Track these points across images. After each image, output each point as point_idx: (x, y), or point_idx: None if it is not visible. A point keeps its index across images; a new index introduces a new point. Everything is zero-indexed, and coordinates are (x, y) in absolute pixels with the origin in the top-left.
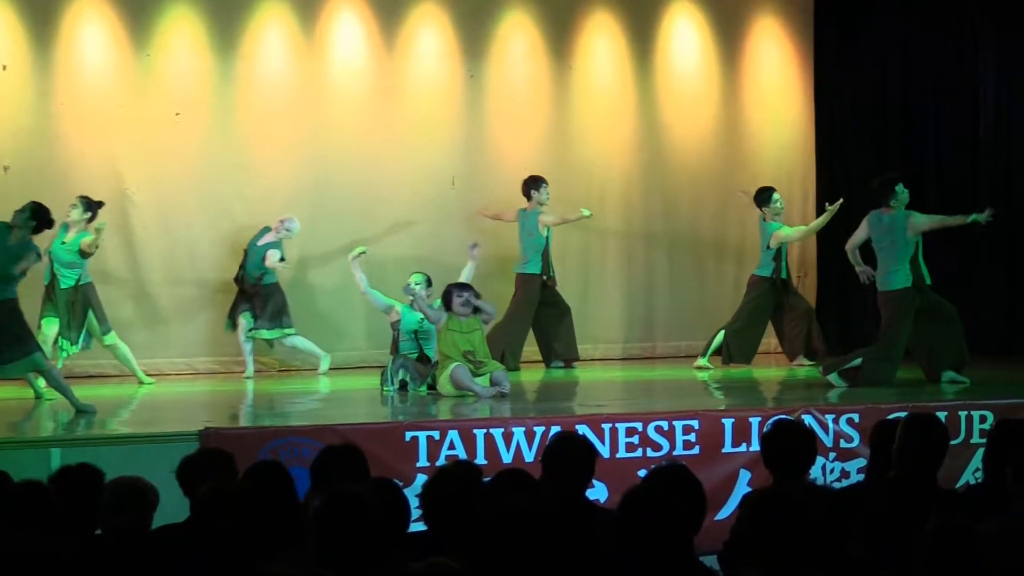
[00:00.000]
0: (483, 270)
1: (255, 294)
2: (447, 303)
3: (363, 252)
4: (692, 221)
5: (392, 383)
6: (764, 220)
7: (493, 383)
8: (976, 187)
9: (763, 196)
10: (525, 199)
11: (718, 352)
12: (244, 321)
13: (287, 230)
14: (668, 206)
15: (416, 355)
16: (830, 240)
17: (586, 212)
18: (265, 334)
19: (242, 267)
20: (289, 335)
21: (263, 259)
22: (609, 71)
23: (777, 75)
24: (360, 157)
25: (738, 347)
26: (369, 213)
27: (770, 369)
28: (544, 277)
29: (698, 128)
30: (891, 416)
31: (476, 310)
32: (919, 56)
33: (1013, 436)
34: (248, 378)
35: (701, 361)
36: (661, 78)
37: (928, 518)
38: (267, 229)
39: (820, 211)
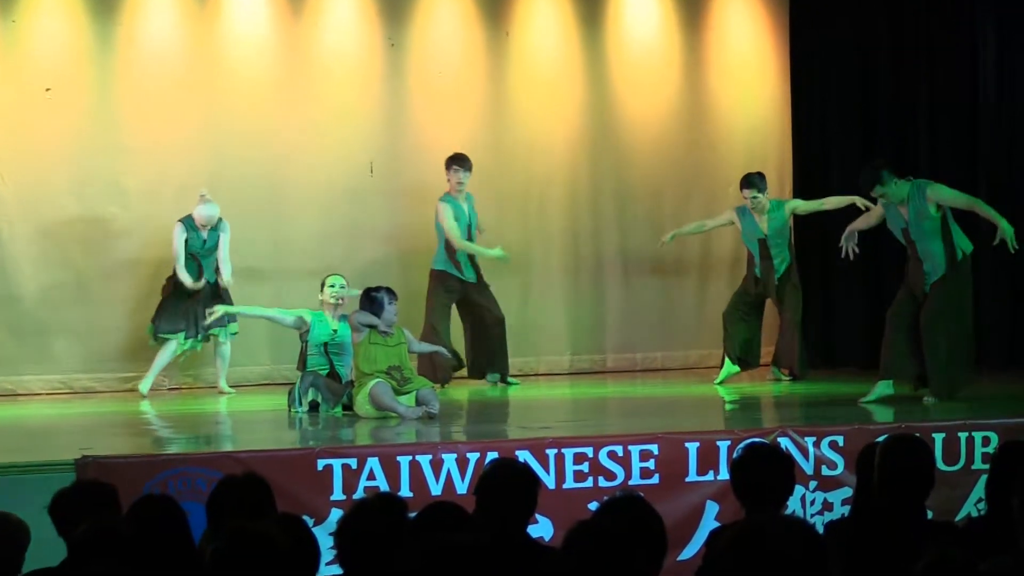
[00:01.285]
0: (405, 265)
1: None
2: (364, 305)
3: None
4: (650, 214)
5: (301, 403)
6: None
7: (419, 402)
8: (975, 164)
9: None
10: None
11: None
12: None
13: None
14: (621, 196)
15: (327, 371)
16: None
17: (498, 253)
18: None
19: (201, 266)
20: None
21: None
22: (552, 38)
23: (748, 43)
24: (262, 140)
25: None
26: (273, 205)
27: (740, 384)
28: (458, 276)
29: (657, 106)
30: (880, 438)
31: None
32: (909, 16)
33: (1020, 460)
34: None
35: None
36: (613, 47)
37: (920, 555)
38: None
39: (800, 192)
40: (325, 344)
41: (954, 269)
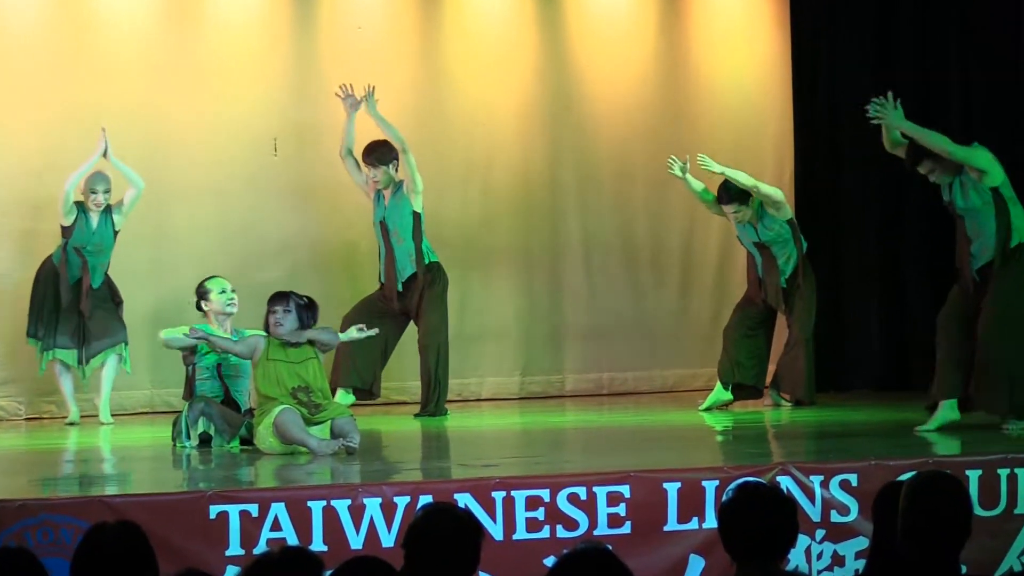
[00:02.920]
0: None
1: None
2: (264, 326)
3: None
4: (618, 203)
5: (189, 437)
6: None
7: (336, 434)
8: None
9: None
10: None
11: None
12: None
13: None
14: (584, 182)
15: (221, 398)
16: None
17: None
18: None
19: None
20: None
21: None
22: None
23: None
24: (140, 116)
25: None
26: (153, 193)
27: (731, 411)
28: (380, 282)
29: (626, 72)
30: (901, 477)
31: (302, 325)
32: None
33: None
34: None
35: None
36: (572, 2)
37: None
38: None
39: (802, 178)
40: (218, 365)
41: (1006, 256)
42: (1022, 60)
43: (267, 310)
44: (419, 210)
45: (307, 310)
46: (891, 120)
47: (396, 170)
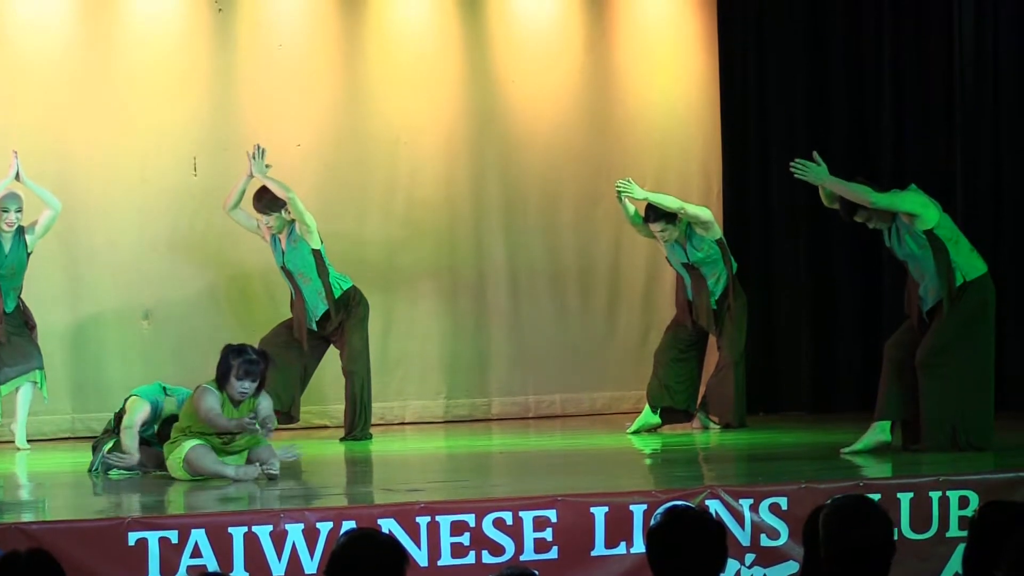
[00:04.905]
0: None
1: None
2: (220, 371)
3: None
4: (545, 221)
5: (100, 468)
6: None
7: (254, 461)
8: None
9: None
10: None
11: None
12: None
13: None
14: (509, 199)
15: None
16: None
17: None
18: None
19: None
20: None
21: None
22: (420, 6)
23: (665, 8)
24: (50, 132)
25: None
26: (74, 212)
27: (659, 434)
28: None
29: (551, 87)
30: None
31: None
32: None
33: (1005, 525)
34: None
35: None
36: (496, 16)
37: None
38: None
39: (730, 198)
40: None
41: (952, 298)
42: (954, 72)
43: (232, 366)
44: (317, 246)
45: (267, 365)
46: (814, 178)
47: (287, 213)
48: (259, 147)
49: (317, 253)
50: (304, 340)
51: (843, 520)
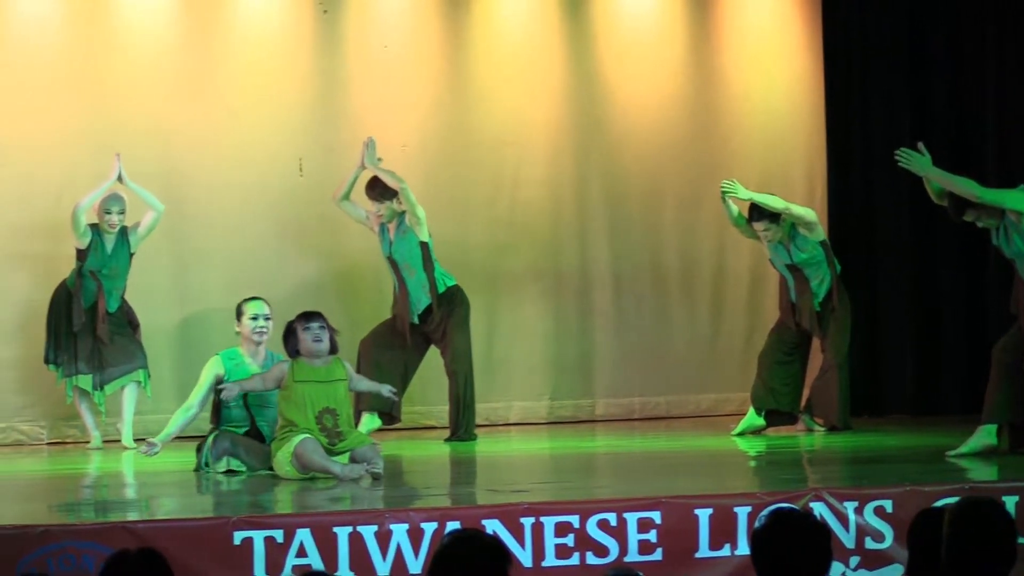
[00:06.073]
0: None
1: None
2: (290, 346)
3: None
4: (649, 222)
5: (209, 467)
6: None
7: (358, 461)
8: None
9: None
10: None
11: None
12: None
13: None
14: (613, 202)
15: (246, 428)
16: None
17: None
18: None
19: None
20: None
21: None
22: (525, 5)
23: (769, 9)
24: (161, 133)
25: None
26: (175, 215)
27: (764, 436)
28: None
29: (655, 88)
30: (938, 503)
31: (334, 345)
32: None
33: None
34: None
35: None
36: (600, 16)
37: None
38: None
39: (834, 200)
40: (245, 394)
41: None
42: None
43: (295, 328)
44: (426, 239)
45: (332, 329)
46: (918, 168)
47: (398, 203)
48: (371, 139)
49: (424, 246)
50: (407, 333)
51: (972, 519)
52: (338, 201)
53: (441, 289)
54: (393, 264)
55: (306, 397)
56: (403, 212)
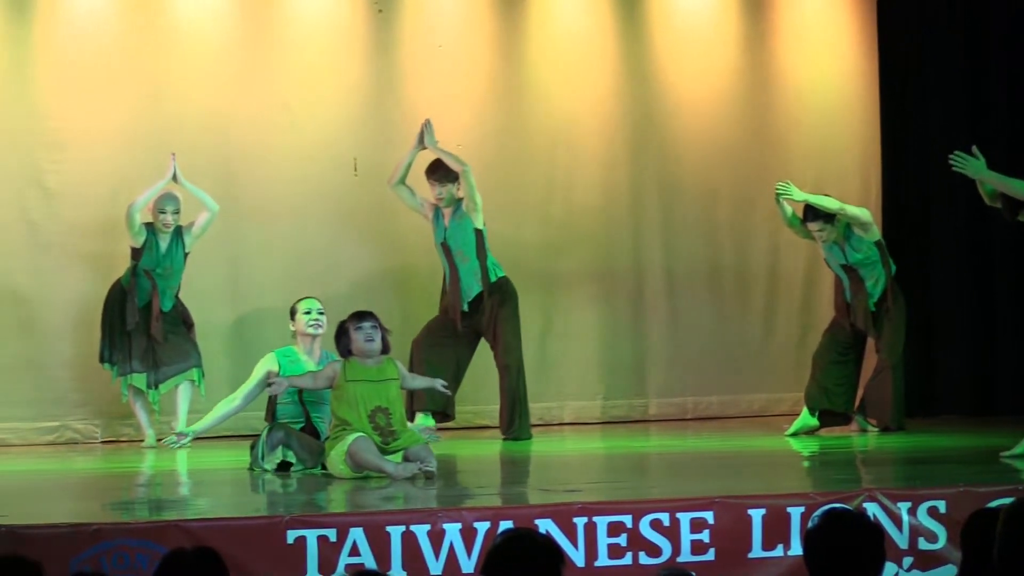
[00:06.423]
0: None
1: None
2: (343, 345)
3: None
4: (701, 222)
5: (265, 463)
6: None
7: (410, 460)
8: None
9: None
10: None
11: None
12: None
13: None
14: (666, 200)
15: (301, 424)
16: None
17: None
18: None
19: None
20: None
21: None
22: (579, 6)
23: (823, 7)
24: (217, 132)
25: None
26: (230, 213)
27: (818, 436)
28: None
29: (710, 87)
30: (992, 504)
31: (386, 344)
32: None
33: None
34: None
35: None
36: (655, 15)
37: None
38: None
39: (889, 200)
40: (300, 390)
41: None
42: None
43: (347, 328)
44: (481, 227)
45: (384, 329)
46: (973, 172)
47: (457, 188)
48: (428, 120)
49: (479, 233)
50: (458, 321)
51: (1022, 522)
52: (393, 185)
53: (492, 278)
54: (446, 250)
55: (358, 396)
56: (460, 199)
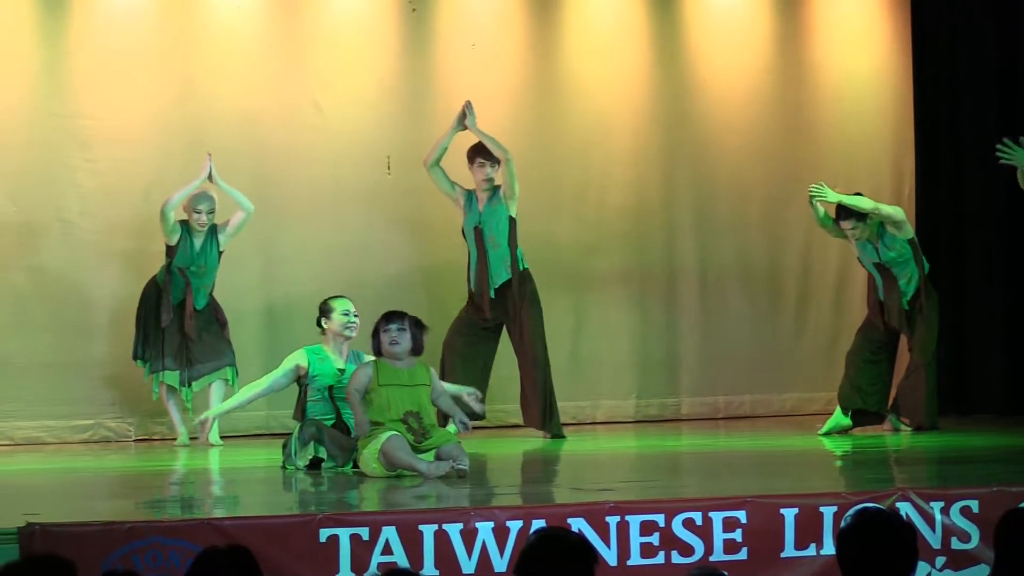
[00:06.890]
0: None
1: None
2: (374, 345)
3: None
4: (735, 222)
5: (297, 459)
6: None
7: (443, 459)
8: None
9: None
10: None
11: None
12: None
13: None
14: (699, 198)
15: (332, 421)
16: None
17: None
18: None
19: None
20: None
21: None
22: (613, 5)
23: (857, 6)
24: (250, 130)
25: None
26: (262, 210)
27: (850, 436)
28: (469, 290)
29: (744, 86)
30: None
31: (417, 345)
32: None
33: None
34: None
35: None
36: (689, 13)
37: None
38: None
39: (923, 199)
40: (330, 388)
41: None
42: None
43: (377, 329)
44: (515, 215)
45: (419, 329)
46: (1020, 162)
47: (497, 172)
48: (469, 102)
49: (513, 221)
50: (485, 308)
51: None
52: (429, 166)
53: (521, 267)
54: (478, 235)
55: (390, 400)
56: (498, 185)
